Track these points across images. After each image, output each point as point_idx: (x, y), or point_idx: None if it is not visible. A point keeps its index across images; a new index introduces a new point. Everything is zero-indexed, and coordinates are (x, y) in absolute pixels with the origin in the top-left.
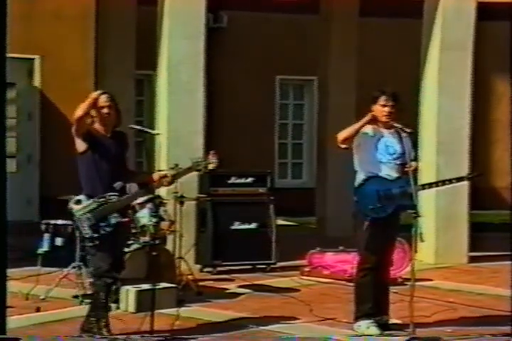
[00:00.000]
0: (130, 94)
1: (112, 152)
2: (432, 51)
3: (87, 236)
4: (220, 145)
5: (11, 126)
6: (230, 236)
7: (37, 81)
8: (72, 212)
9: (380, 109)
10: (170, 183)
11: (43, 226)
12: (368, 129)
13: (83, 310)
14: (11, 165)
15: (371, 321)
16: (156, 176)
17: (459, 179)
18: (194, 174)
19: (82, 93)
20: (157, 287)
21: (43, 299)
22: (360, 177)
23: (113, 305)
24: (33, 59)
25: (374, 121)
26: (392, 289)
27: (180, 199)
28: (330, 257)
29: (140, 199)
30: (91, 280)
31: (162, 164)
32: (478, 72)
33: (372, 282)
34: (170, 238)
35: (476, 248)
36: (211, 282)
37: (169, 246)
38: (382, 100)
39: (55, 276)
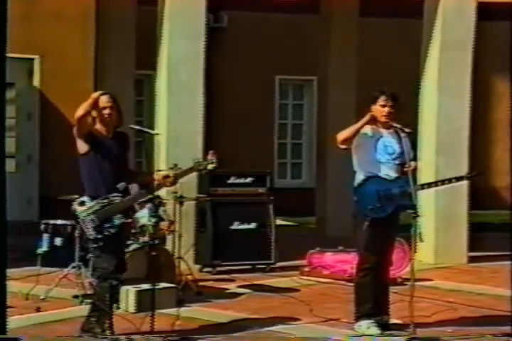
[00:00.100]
0: (130, 94)
1: (114, 153)
2: (432, 51)
3: (91, 237)
4: (220, 145)
5: (11, 126)
6: (230, 236)
7: (37, 81)
8: (76, 214)
9: (380, 109)
10: (172, 183)
11: (43, 226)
12: (367, 129)
13: (83, 310)
14: (10, 165)
15: (371, 321)
16: (158, 176)
17: (459, 178)
18: (193, 174)
19: (82, 93)
20: (157, 287)
21: (43, 299)
22: (359, 177)
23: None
24: (32, 59)
25: (373, 121)
26: (392, 289)
27: (180, 200)
28: (330, 257)
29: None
30: (90, 280)
31: (161, 164)
32: (478, 72)
33: (372, 282)
34: (169, 238)
35: (475, 248)
36: (211, 282)
37: (169, 246)
38: (381, 100)
39: (55, 276)
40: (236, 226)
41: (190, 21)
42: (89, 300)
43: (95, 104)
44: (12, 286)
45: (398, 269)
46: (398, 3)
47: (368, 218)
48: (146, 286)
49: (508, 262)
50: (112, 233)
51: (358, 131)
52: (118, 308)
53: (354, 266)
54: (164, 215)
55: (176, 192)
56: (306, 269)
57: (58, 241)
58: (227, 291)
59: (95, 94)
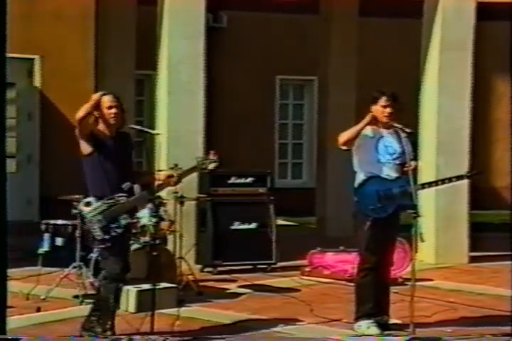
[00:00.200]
0: (130, 94)
1: (117, 153)
2: (431, 51)
3: (98, 238)
4: (220, 145)
5: (11, 126)
6: (230, 236)
7: (37, 81)
8: (83, 214)
9: (381, 109)
10: (176, 183)
11: (43, 226)
12: (368, 130)
13: (83, 310)
14: (10, 165)
15: (371, 321)
16: (162, 176)
17: (459, 177)
18: (194, 174)
19: (82, 93)
20: (157, 287)
21: (44, 299)
22: (359, 177)
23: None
24: (33, 59)
25: (374, 121)
26: (393, 289)
27: (181, 200)
28: (330, 257)
29: None
30: (91, 280)
31: (162, 164)
32: (478, 72)
33: (373, 282)
34: (170, 238)
35: (476, 248)
36: (212, 282)
37: (169, 246)
38: (382, 101)
39: (56, 276)
40: (237, 226)
41: (189, 21)
42: (91, 300)
43: (97, 105)
44: (12, 286)
45: (399, 269)
46: (398, 3)
47: (369, 218)
48: (146, 286)
49: (509, 262)
50: (119, 233)
51: (359, 132)
52: (118, 308)
53: (355, 266)
54: (165, 215)
55: (176, 192)
56: (307, 269)
57: (59, 241)
58: (228, 291)
59: (96, 95)
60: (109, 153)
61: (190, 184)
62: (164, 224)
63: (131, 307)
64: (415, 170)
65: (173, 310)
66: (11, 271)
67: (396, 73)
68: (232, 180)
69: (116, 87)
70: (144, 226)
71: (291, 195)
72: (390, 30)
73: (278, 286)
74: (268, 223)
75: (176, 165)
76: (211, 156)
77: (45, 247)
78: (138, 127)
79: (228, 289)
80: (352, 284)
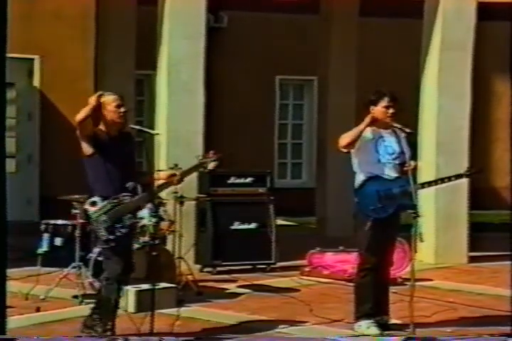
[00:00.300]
0: (130, 94)
1: (120, 153)
2: (432, 51)
3: (103, 238)
4: (220, 145)
5: (11, 126)
6: (230, 236)
7: (37, 81)
8: (88, 214)
9: (383, 110)
10: (179, 181)
11: (43, 226)
12: (368, 132)
13: (83, 310)
14: (10, 165)
15: (371, 321)
16: (164, 175)
17: (458, 176)
18: (194, 174)
19: (82, 93)
20: (157, 287)
21: (43, 299)
22: (359, 178)
23: None
24: (33, 59)
25: (373, 122)
26: (392, 289)
27: (180, 200)
28: (330, 257)
29: None
30: (90, 280)
31: (162, 164)
32: (478, 72)
33: (373, 282)
34: (170, 238)
35: (476, 248)
36: (211, 282)
37: (169, 246)
38: (385, 101)
39: (55, 276)
40: (236, 226)
41: (190, 21)
42: (91, 300)
43: (98, 106)
44: (12, 286)
45: (398, 269)
46: (398, 3)
47: (369, 218)
48: (146, 286)
49: (508, 262)
50: (123, 233)
51: (360, 135)
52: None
53: (354, 266)
54: (165, 215)
55: (176, 192)
56: (307, 269)
57: (58, 241)
58: (227, 291)
59: (93, 98)
60: (112, 153)
61: (189, 184)
62: (164, 224)
63: (131, 307)
64: (415, 169)
65: (172, 310)
66: (11, 271)
67: (396, 73)
68: (232, 180)
69: (116, 86)
70: (143, 226)
71: (290, 195)
72: (390, 30)
73: (277, 286)
74: (268, 223)
75: (176, 165)
76: (211, 156)
77: (44, 247)
78: (138, 127)
79: (228, 289)
80: (351, 284)
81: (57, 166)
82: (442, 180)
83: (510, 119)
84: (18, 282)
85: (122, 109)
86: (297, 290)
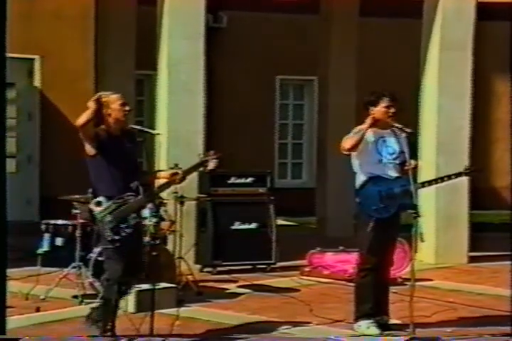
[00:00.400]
0: (130, 94)
1: (123, 152)
2: (431, 51)
3: (108, 238)
4: (220, 145)
5: (11, 126)
6: (230, 236)
7: (37, 81)
8: (94, 215)
9: (384, 110)
10: (181, 180)
11: (43, 226)
12: (369, 134)
13: (83, 310)
14: (11, 165)
15: (371, 321)
16: (167, 174)
17: (458, 175)
18: (194, 174)
19: (82, 93)
20: (157, 287)
21: (43, 299)
22: (360, 178)
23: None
24: (33, 59)
25: (374, 123)
26: (392, 289)
27: (181, 199)
28: (330, 257)
29: None
30: (90, 280)
31: (162, 164)
32: (478, 72)
33: (373, 282)
34: (170, 238)
35: (476, 248)
36: (211, 282)
37: (169, 246)
38: (385, 101)
39: (55, 276)
40: (237, 226)
41: (189, 21)
42: (91, 300)
43: (99, 106)
44: (12, 286)
45: (399, 269)
46: (398, 3)
47: (371, 219)
48: (146, 286)
49: (508, 262)
50: (128, 233)
51: (363, 137)
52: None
53: (354, 266)
54: (165, 215)
55: (176, 192)
56: (307, 269)
57: (59, 241)
58: (227, 291)
59: (93, 103)
60: (115, 153)
61: (190, 184)
62: (164, 224)
63: (131, 307)
64: (415, 169)
65: (172, 310)
66: (11, 271)
67: (396, 73)
68: (232, 180)
69: (116, 86)
70: (144, 226)
71: (291, 195)
72: (390, 30)
73: (277, 286)
74: (268, 223)
75: (176, 165)
76: (211, 154)
77: (44, 247)
78: (138, 127)
79: (228, 289)
80: (351, 284)
81: (57, 166)
82: (442, 179)
83: (510, 119)
84: (18, 282)
85: (127, 108)
86: (297, 290)
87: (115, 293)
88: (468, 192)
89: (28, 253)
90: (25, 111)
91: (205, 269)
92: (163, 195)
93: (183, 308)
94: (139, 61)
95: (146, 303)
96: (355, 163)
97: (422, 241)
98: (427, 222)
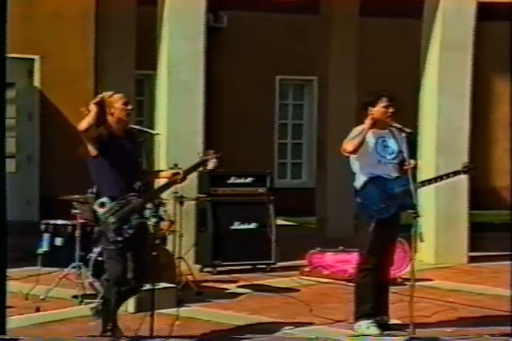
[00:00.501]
0: (130, 94)
1: (125, 151)
2: (432, 51)
3: (111, 239)
4: (220, 145)
5: (11, 126)
6: (230, 236)
7: (37, 81)
8: (98, 216)
9: (383, 110)
10: (182, 180)
11: (43, 226)
12: (369, 135)
13: (83, 310)
14: (10, 165)
15: (371, 321)
16: (168, 174)
17: (456, 173)
18: (194, 174)
19: (82, 93)
20: (157, 287)
21: (43, 299)
22: (360, 179)
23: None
24: (33, 59)
25: (374, 123)
26: (392, 289)
27: (180, 199)
28: (330, 257)
29: None
30: (90, 280)
31: (162, 164)
32: (478, 72)
33: (373, 282)
34: (170, 238)
35: (476, 248)
36: (211, 282)
37: (169, 246)
38: (384, 101)
39: (55, 276)
40: (236, 226)
41: (189, 21)
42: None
43: (102, 106)
44: (12, 286)
45: (398, 269)
46: (398, 3)
47: (373, 219)
48: (145, 286)
49: (508, 262)
50: (130, 234)
51: (365, 138)
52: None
53: (354, 266)
54: (165, 215)
55: (176, 192)
56: (307, 269)
57: (58, 241)
58: (227, 291)
59: (94, 106)
60: (118, 153)
61: (190, 184)
62: (164, 224)
63: (131, 308)
64: (415, 168)
65: (172, 310)
66: (11, 271)
67: (396, 73)
68: (232, 180)
69: (116, 86)
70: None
71: (290, 195)
72: (390, 30)
73: (277, 286)
74: (268, 223)
75: (176, 165)
76: (211, 153)
77: (44, 247)
78: (137, 127)
79: (227, 289)
80: (351, 284)
81: (57, 166)
82: (441, 178)
83: (510, 119)
84: (18, 282)
85: (130, 107)
86: (297, 290)
87: (115, 294)
88: (468, 192)
89: (28, 253)
90: (25, 111)
91: (205, 269)
92: (163, 195)
93: (183, 308)
94: (139, 61)
95: (146, 303)
96: (355, 164)
97: (422, 241)
98: (427, 222)
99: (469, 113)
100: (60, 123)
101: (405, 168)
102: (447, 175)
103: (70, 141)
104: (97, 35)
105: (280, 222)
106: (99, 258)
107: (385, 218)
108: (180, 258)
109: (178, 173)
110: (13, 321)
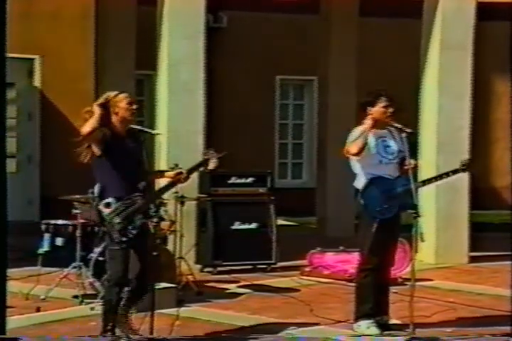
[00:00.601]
0: (130, 94)
1: (129, 151)
2: (431, 51)
3: (116, 240)
4: (220, 145)
5: (11, 126)
6: (231, 236)
7: (37, 81)
8: (103, 216)
9: (383, 110)
10: (186, 179)
11: (44, 226)
12: (370, 137)
13: (83, 310)
14: (11, 165)
15: (371, 321)
16: (171, 173)
17: (455, 171)
18: (195, 174)
19: (82, 93)
20: (157, 287)
21: (43, 299)
22: (361, 180)
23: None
24: (33, 59)
25: (374, 123)
26: (392, 289)
27: (181, 199)
28: (330, 257)
29: None
30: (91, 280)
31: (162, 164)
32: (478, 72)
33: (373, 282)
34: (170, 238)
35: (476, 248)
36: (211, 282)
37: (170, 246)
38: (383, 101)
39: (55, 276)
40: (237, 226)
41: (189, 21)
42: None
43: (106, 106)
44: (12, 286)
45: (399, 269)
46: (398, 3)
47: (375, 220)
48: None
49: (509, 262)
50: (134, 234)
51: (367, 139)
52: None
53: (355, 266)
54: (165, 215)
55: (177, 192)
56: (307, 269)
57: (59, 241)
58: (228, 291)
59: (98, 108)
60: (122, 153)
61: (190, 184)
62: (165, 224)
63: None
64: (415, 168)
65: (172, 310)
66: (11, 271)
67: (396, 73)
68: (233, 180)
69: (116, 86)
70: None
71: (291, 195)
72: (390, 30)
73: (277, 286)
74: (268, 223)
75: (176, 165)
76: (212, 153)
77: (45, 247)
78: (138, 127)
79: (228, 289)
80: (352, 284)
81: (57, 166)
82: (440, 177)
83: (510, 119)
84: (19, 282)
85: (134, 106)
86: (297, 290)
87: (115, 295)
88: (468, 192)
89: (28, 253)
90: (25, 111)
91: (206, 269)
92: (164, 195)
93: (183, 308)
94: (139, 61)
95: (146, 303)
96: (356, 165)
97: (422, 241)
98: (427, 222)
99: (469, 113)
100: (60, 123)
101: (406, 167)
102: (447, 174)
103: (71, 141)
104: (97, 35)
105: (281, 222)
106: (100, 258)
107: (387, 218)
108: (180, 258)
109: (181, 173)
110: (13, 321)
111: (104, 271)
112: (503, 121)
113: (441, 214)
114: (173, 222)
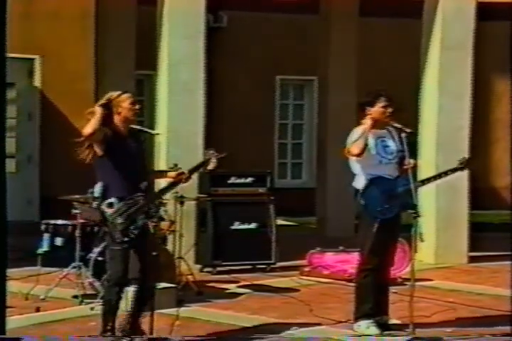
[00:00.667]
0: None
1: (131, 151)
2: (432, 51)
3: (118, 240)
4: (220, 145)
5: (11, 126)
6: (230, 236)
7: (37, 81)
8: (105, 216)
9: (382, 110)
10: (187, 179)
11: (43, 226)
12: (370, 138)
13: (83, 310)
14: (11, 165)
15: (371, 321)
16: (173, 174)
17: (454, 170)
18: (194, 174)
19: (82, 93)
20: (157, 287)
21: (43, 299)
22: (361, 180)
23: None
24: (33, 59)
25: (373, 123)
26: (392, 289)
27: (181, 199)
28: (330, 257)
29: None
30: (90, 280)
31: (162, 164)
32: (478, 72)
33: (373, 283)
34: (170, 238)
35: (476, 248)
36: (211, 282)
37: (169, 246)
38: (383, 101)
39: (55, 276)
40: (236, 226)
41: (189, 21)
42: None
43: (108, 106)
44: (12, 286)
45: (398, 269)
46: (398, 3)
47: (376, 220)
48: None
49: (508, 262)
50: (136, 234)
51: (367, 139)
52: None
53: (354, 266)
54: (165, 215)
55: (176, 192)
56: (307, 269)
57: (59, 241)
58: (227, 291)
59: (99, 108)
60: (124, 153)
61: (190, 184)
62: (164, 224)
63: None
64: (414, 168)
65: (172, 310)
66: (11, 271)
67: (396, 73)
68: (232, 180)
69: (116, 86)
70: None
71: (291, 195)
72: (390, 30)
73: (277, 286)
74: (268, 223)
75: (176, 165)
76: (213, 153)
77: (44, 247)
78: (137, 127)
79: (227, 289)
80: (351, 284)
81: (57, 166)
82: (440, 176)
83: (510, 119)
84: (18, 282)
85: (137, 106)
86: (297, 290)
87: (115, 295)
88: (468, 192)
89: (28, 253)
90: (25, 111)
91: (205, 269)
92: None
93: (183, 308)
94: (139, 61)
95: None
96: (356, 165)
97: (422, 241)
98: (427, 222)
99: (469, 113)
100: (60, 124)
101: (405, 167)
102: (445, 173)
103: (71, 141)
104: (97, 35)
105: (280, 221)
106: (100, 258)
107: (388, 218)
108: (180, 258)
109: (183, 173)
110: (13, 321)
111: (104, 270)
112: (503, 121)
113: (440, 214)
114: (172, 222)
